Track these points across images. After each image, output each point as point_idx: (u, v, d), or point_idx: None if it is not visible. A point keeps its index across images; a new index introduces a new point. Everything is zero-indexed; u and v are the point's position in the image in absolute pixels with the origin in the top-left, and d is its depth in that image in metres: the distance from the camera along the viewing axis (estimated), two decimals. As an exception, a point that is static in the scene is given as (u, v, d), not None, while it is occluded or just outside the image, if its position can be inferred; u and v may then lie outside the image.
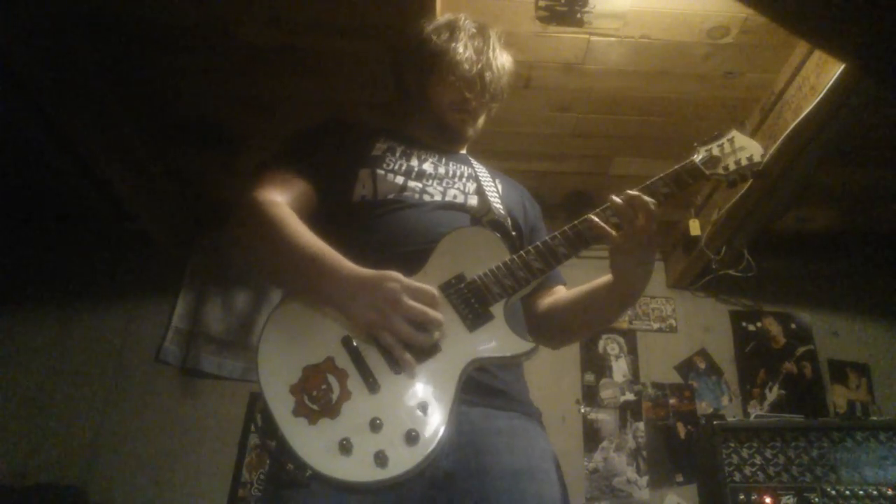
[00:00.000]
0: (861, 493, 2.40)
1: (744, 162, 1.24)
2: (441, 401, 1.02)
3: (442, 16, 1.48)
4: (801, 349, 3.21)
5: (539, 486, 1.08)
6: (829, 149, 2.19)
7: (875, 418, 2.69)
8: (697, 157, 1.26)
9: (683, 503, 2.86)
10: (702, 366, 3.17)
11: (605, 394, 3.09)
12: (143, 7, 1.99)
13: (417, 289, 1.05)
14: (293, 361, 1.05)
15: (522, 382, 1.27)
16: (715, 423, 2.60)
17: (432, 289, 1.07)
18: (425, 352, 1.06)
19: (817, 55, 1.99)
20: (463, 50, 1.36)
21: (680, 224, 3.04)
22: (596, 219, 1.17)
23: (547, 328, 1.41)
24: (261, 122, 2.51)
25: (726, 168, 1.25)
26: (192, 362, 2.96)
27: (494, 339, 1.10)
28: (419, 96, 1.45)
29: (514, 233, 1.34)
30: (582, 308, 1.35)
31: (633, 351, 3.19)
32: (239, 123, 2.53)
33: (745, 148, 1.25)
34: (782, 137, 2.17)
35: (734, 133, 1.27)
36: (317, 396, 1.01)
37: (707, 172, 1.24)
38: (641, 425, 3.02)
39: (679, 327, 3.25)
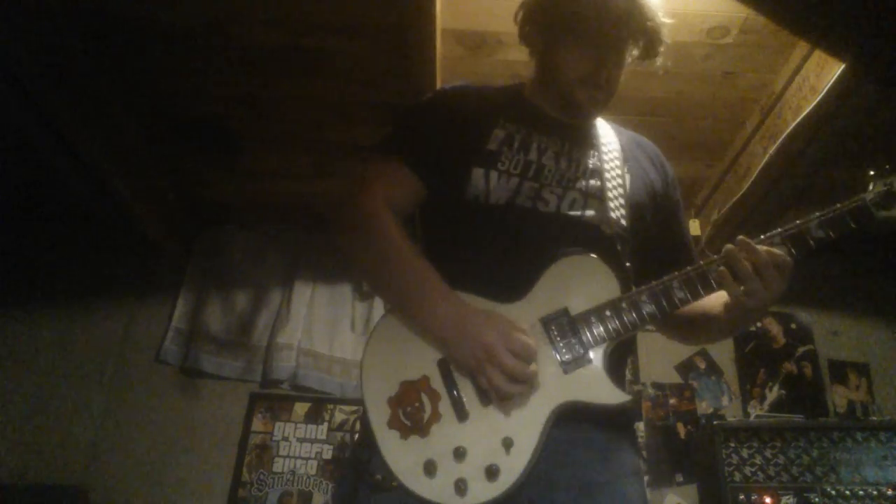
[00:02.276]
0: (861, 493, 2.40)
1: None
2: (526, 440, 1.01)
3: None
4: (801, 349, 3.20)
5: (609, 502, 1.05)
6: (829, 149, 2.19)
7: (875, 418, 2.70)
8: (869, 194, 1.02)
9: (683, 503, 2.86)
10: (702, 366, 3.16)
11: (605, 394, 3.08)
12: (143, 7, 1.99)
13: (517, 342, 1.01)
14: (393, 374, 1.07)
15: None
16: (715, 423, 2.61)
17: (533, 345, 1.02)
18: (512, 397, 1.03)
19: (817, 55, 1.99)
20: (611, 7, 1.17)
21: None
22: (725, 270, 1.03)
23: (668, 328, 1.33)
24: (261, 122, 2.51)
25: None
26: (192, 362, 2.96)
27: (589, 385, 1.05)
28: (545, 64, 1.29)
29: (629, 262, 1.21)
30: (691, 325, 1.25)
31: (633, 351, 3.18)
32: (239, 123, 2.53)
33: None
34: (782, 137, 2.17)
35: None
36: (410, 413, 1.03)
37: (878, 214, 1.02)
38: (641, 425, 3.02)
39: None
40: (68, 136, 2.25)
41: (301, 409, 2.95)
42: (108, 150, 2.39)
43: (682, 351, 3.19)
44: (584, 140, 1.31)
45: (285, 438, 2.90)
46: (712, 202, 2.77)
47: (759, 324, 3.25)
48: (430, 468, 0.99)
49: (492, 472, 0.98)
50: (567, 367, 1.05)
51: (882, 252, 3.23)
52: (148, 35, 2.09)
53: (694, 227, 2.84)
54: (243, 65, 2.20)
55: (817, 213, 1.04)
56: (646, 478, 2.90)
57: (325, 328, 3.06)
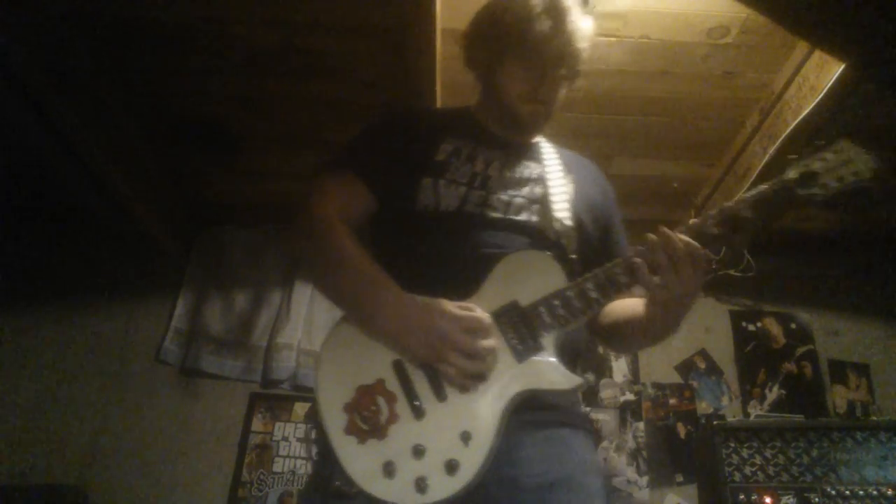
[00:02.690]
0: (861, 493, 2.40)
1: (848, 178, 1.04)
2: (484, 432, 1.02)
3: None
4: (801, 349, 3.20)
5: (572, 498, 1.07)
6: (829, 149, 2.19)
7: (875, 418, 2.70)
8: (791, 175, 1.07)
9: (683, 503, 2.86)
10: (702, 366, 3.16)
11: (605, 394, 3.09)
12: (143, 7, 1.99)
13: (467, 320, 1.05)
14: (348, 380, 1.08)
15: (573, 392, 1.23)
16: (715, 423, 2.61)
17: (484, 317, 1.07)
18: (477, 376, 1.05)
19: (817, 55, 1.99)
20: (538, 31, 1.23)
21: (680, 224, 3.04)
22: (641, 261, 1.05)
23: (605, 337, 1.37)
24: (261, 122, 2.51)
25: (825, 186, 1.05)
26: (191, 362, 2.96)
27: (542, 372, 1.08)
28: (488, 83, 1.37)
29: (574, 255, 1.26)
30: (622, 333, 1.30)
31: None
32: (239, 123, 2.53)
33: (852, 161, 1.04)
34: (782, 137, 2.17)
35: (843, 143, 1.06)
36: (367, 417, 1.04)
37: (800, 193, 1.05)
38: (641, 425, 3.02)
39: (679, 327, 3.24)
40: (68, 136, 2.25)
41: (301, 409, 2.95)
42: (108, 150, 2.39)
43: (682, 351, 3.19)
44: (528, 154, 1.39)
45: (285, 438, 2.90)
46: (712, 202, 2.77)
47: (759, 323, 3.26)
48: (389, 469, 1.00)
49: (452, 467, 0.99)
50: (520, 356, 1.08)
51: (882, 252, 3.23)
52: (148, 35, 2.09)
53: (694, 226, 2.83)
54: (243, 65, 2.20)
55: (745, 195, 1.08)
56: (645, 478, 2.91)
57: (325, 328, 3.03)
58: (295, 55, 2.14)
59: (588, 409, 3.04)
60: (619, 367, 3.15)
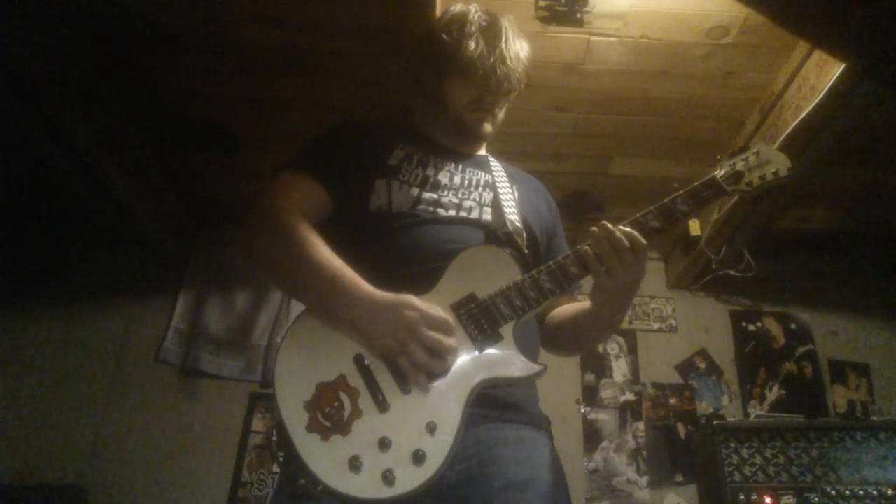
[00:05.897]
0: (861, 493, 2.40)
1: (769, 176, 1.19)
2: (449, 421, 1.04)
3: (454, 7, 1.44)
4: (801, 349, 3.21)
5: (541, 498, 1.09)
6: (829, 149, 2.19)
7: (875, 418, 2.69)
8: (719, 173, 1.21)
9: (683, 503, 2.86)
10: (702, 366, 3.17)
11: (605, 394, 3.09)
12: (144, 7, 1.99)
13: (434, 318, 1.07)
14: (308, 378, 1.07)
15: (533, 393, 1.28)
16: (715, 423, 2.60)
17: (448, 318, 1.09)
18: (436, 374, 1.07)
19: (817, 55, 1.99)
20: (475, 47, 1.33)
21: (680, 224, 3.04)
22: (589, 250, 1.15)
23: (551, 340, 1.42)
24: (261, 122, 2.51)
25: (750, 183, 1.20)
26: (191, 362, 2.96)
27: (503, 361, 1.11)
28: (435, 96, 1.43)
29: (527, 250, 1.33)
30: (570, 330, 1.36)
31: (633, 351, 3.18)
32: (239, 123, 2.53)
33: (770, 161, 1.19)
34: (782, 137, 2.17)
35: (760, 146, 1.22)
36: (329, 413, 1.04)
37: (728, 188, 1.20)
38: (641, 425, 3.02)
39: (679, 327, 3.25)
40: (68, 136, 2.25)
41: (301, 409, 2.95)
42: (108, 150, 2.39)
43: (682, 351, 3.20)
44: (475, 163, 1.46)
45: (285, 438, 2.89)
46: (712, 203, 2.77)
47: (759, 323, 3.26)
48: (354, 464, 1.00)
49: (419, 457, 1.00)
50: (480, 346, 1.11)
51: (882, 252, 3.23)
52: (148, 35, 2.09)
53: (694, 226, 2.84)
54: (243, 65, 2.20)
55: (680, 191, 1.20)
56: (645, 478, 2.91)
57: (325, 328, 3.05)
58: (295, 55, 2.15)
59: (588, 408, 3.05)
60: (619, 367, 3.15)
